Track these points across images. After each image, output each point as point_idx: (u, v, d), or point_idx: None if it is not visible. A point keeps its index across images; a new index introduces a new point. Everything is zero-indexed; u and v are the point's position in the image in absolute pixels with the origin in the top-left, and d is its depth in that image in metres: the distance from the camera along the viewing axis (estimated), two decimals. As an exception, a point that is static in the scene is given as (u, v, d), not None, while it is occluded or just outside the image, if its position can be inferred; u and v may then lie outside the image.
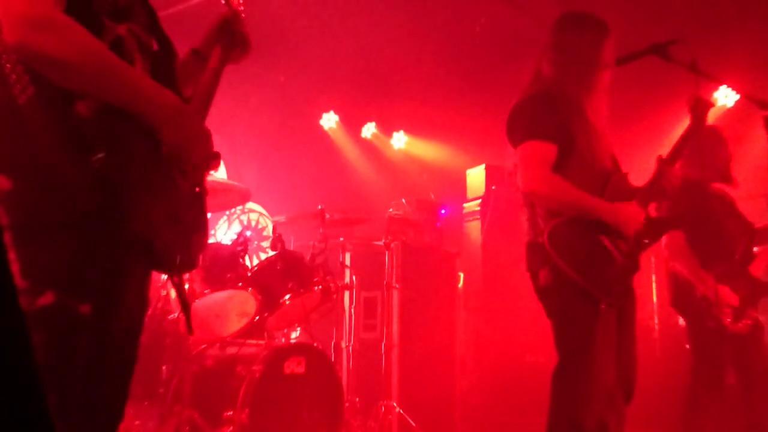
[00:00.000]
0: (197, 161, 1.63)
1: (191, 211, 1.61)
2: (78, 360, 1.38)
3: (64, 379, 1.35)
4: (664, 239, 3.49)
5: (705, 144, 3.58)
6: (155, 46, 1.62)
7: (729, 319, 3.38)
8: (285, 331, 4.30)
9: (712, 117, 2.82)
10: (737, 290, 3.42)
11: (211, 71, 1.82)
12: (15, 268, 1.32)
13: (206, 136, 1.64)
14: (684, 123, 2.76)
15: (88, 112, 1.38)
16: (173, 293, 3.70)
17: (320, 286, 3.92)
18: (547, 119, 2.45)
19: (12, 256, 1.32)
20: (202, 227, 1.69)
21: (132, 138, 1.45)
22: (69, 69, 1.36)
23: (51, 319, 1.34)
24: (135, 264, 1.54)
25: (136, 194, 1.42)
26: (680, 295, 3.62)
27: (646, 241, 2.54)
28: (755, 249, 3.62)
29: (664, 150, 2.68)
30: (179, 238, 1.56)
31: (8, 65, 1.36)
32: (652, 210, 2.58)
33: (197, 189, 1.65)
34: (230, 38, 1.91)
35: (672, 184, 2.62)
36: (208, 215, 1.72)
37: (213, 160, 1.68)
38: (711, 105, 2.72)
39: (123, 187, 1.40)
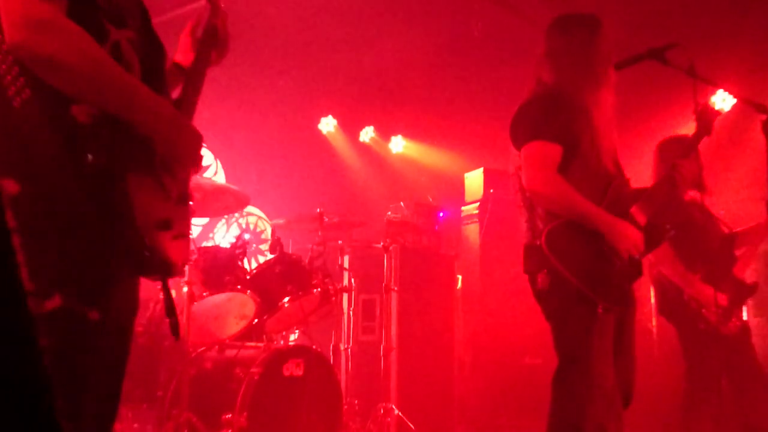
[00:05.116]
0: (187, 166, 1.63)
1: (179, 218, 1.59)
2: (84, 363, 1.38)
3: (71, 382, 1.35)
4: None
5: (677, 154, 3.59)
6: (148, 50, 1.61)
7: (719, 320, 3.39)
8: (284, 333, 4.30)
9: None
10: (724, 292, 3.43)
11: (195, 73, 1.79)
12: (23, 271, 1.32)
13: (197, 143, 1.63)
14: (682, 127, 2.78)
15: (84, 117, 1.37)
16: (173, 294, 3.70)
17: (319, 289, 3.93)
18: (552, 120, 2.44)
19: (21, 259, 1.32)
20: (187, 234, 1.68)
21: (126, 144, 1.44)
22: (67, 72, 1.35)
23: (58, 322, 1.35)
24: (126, 268, 1.54)
25: (129, 201, 1.41)
26: (667, 301, 3.62)
27: (649, 246, 2.54)
28: (737, 252, 3.63)
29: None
30: (168, 244, 1.54)
31: (3, 66, 1.35)
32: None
33: (184, 195, 1.64)
34: (212, 35, 1.87)
35: (685, 178, 2.62)
36: (192, 221, 1.71)
37: (199, 164, 1.69)
38: (718, 113, 2.72)
39: (117, 193, 1.39)
